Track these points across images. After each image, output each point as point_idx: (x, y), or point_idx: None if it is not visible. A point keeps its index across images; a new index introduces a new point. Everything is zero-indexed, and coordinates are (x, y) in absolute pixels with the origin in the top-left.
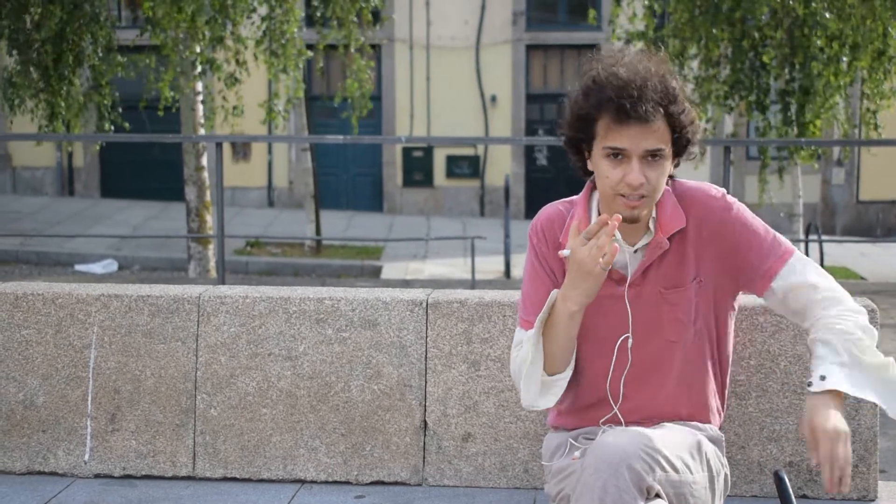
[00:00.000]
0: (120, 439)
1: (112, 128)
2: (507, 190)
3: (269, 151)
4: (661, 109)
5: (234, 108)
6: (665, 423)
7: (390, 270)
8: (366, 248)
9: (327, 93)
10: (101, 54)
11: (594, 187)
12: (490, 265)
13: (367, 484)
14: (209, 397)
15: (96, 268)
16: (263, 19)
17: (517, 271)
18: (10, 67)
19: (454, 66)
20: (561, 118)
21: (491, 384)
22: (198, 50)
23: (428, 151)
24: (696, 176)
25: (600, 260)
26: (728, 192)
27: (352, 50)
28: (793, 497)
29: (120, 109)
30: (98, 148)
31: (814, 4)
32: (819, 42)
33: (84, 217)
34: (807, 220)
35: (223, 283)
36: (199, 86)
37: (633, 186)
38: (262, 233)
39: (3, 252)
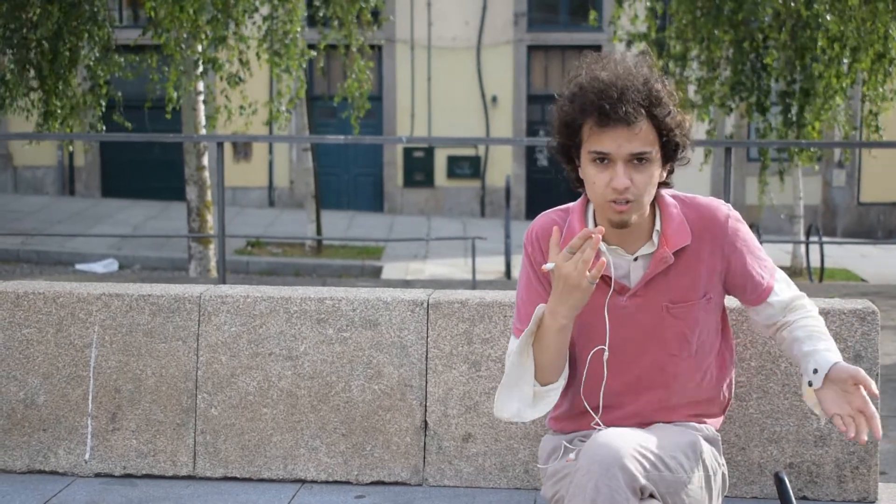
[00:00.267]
0: (120, 438)
1: (104, 128)
2: (507, 190)
3: (270, 151)
4: (644, 111)
5: (242, 107)
6: (660, 424)
7: (391, 270)
8: (366, 249)
9: (328, 93)
10: (97, 54)
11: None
12: (491, 266)
13: (367, 484)
14: (210, 397)
15: (97, 267)
16: (265, 19)
17: (518, 272)
18: (4, 66)
19: (455, 66)
20: (550, 126)
21: (492, 384)
22: (199, 49)
23: (429, 152)
24: (697, 177)
25: (587, 274)
26: (729, 193)
27: (353, 50)
28: (793, 498)
29: (122, 109)
30: (87, 148)
31: (816, 6)
32: (821, 43)
33: (85, 216)
34: (807, 222)
35: (224, 282)
36: (201, 85)
37: (619, 190)
38: (263, 233)
39: (4, 251)
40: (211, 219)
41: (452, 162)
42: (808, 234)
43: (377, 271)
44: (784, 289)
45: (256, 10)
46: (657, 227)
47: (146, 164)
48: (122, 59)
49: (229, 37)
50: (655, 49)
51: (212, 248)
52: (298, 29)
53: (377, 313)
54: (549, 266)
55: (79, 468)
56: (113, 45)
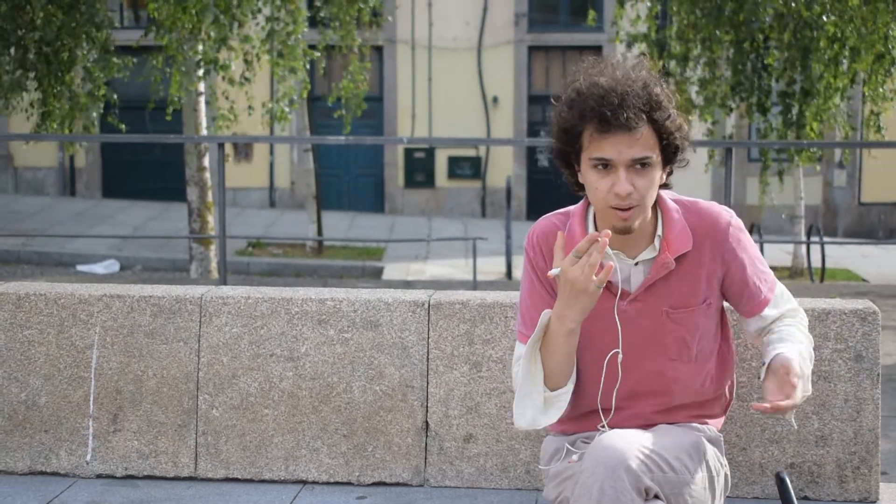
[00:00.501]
0: (122, 440)
1: (97, 130)
2: (508, 191)
3: (271, 152)
4: (645, 116)
5: (250, 107)
6: (662, 425)
7: (392, 271)
8: (367, 249)
9: (329, 93)
10: (94, 56)
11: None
12: (491, 266)
13: (368, 485)
14: (211, 398)
15: (98, 268)
16: (268, 20)
17: (519, 272)
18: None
19: (456, 67)
20: (548, 132)
21: (493, 385)
22: (200, 49)
23: (429, 152)
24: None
25: (594, 277)
26: (730, 193)
27: (354, 50)
28: (794, 498)
29: (116, 111)
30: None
31: (816, 7)
32: (821, 43)
33: (86, 217)
34: (808, 222)
35: (225, 283)
36: (202, 86)
37: (622, 196)
38: (264, 233)
39: (5, 252)
40: (212, 219)
41: (453, 162)
42: (808, 234)
43: (378, 272)
44: (780, 303)
45: (259, 10)
46: (659, 231)
47: (147, 164)
48: (120, 61)
49: (232, 37)
50: (656, 50)
51: (213, 249)
52: (301, 31)
53: (378, 314)
54: (554, 272)
55: (80, 469)
56: (111, 47)
